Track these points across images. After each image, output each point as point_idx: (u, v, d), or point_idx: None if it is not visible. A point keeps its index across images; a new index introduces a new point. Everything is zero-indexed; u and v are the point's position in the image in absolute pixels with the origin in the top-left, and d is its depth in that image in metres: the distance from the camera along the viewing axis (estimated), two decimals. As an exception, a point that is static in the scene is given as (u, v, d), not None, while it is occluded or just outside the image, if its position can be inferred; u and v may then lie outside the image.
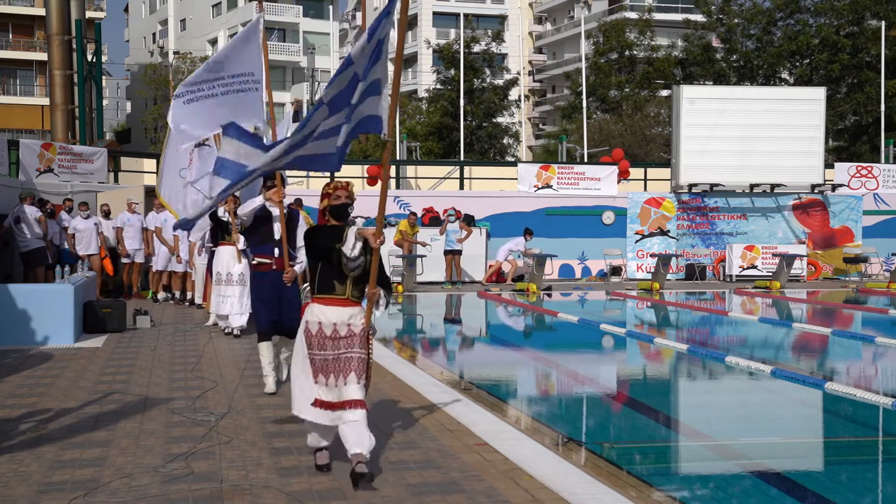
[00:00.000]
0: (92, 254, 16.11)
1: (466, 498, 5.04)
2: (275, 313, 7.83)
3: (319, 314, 5.47)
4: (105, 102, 42.58)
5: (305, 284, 7.46)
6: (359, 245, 5.33)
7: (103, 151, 20.45)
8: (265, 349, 7.94)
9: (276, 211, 7.93)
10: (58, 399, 7.70)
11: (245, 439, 6.34)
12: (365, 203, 21.85)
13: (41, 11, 36.69)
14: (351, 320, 5.49)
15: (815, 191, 23.61)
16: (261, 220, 7.97)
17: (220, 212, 11.75)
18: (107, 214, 16.96)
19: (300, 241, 7.93)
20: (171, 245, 16.28)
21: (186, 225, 7.79)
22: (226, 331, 11.86)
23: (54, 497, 5.04)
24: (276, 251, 7.91)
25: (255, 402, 7.64)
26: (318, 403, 5.42)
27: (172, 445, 6.16)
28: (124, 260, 16.95)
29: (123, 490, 5.18)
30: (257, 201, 7.84)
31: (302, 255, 7.90)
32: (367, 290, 5.51)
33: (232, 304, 11.63)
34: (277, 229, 7.93)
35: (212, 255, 13.69)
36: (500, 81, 45.98)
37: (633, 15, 50.92)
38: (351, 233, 5.34)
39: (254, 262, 8.03)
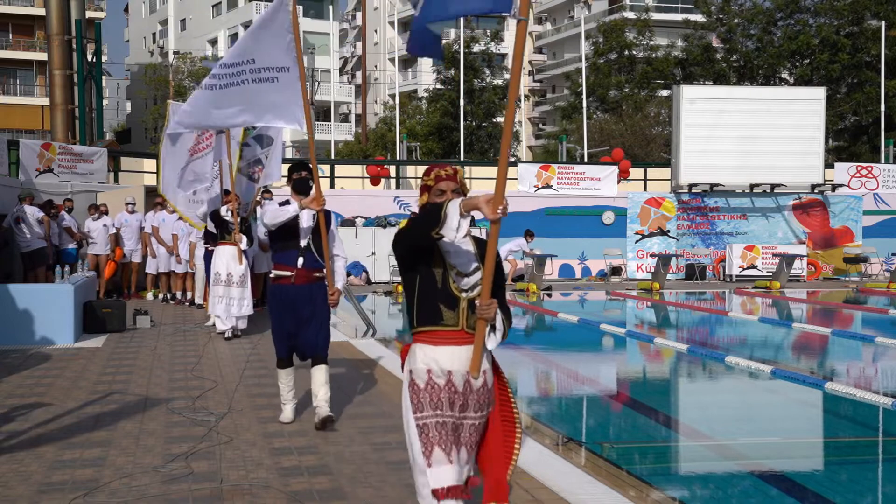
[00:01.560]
0: (99, 253, 16.27)
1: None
2: (295, 337, 6.68)
3: (426, 359, 3.74)
4: (105, 102, 42.59)
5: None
6: (465, 224, 3.46)
7: (103, 151, 20.44)
8: (284, 376, 6.83)
9: (304, 214, 6.63)
10: (58, 399, 7.70)
11: (245, 439, 6.34)
12: (365, 203, 22.02)
13: (41, 11, 36.68)
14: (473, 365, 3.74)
15: (815, 191, 23.62)
16: (283, 225, 6.64)
17: (223, 210, 11.59)
18: (105, 214, 16.97)
19: (337, 248, 6.79)
20: (169, 245, 16.30)
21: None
22: (226, 335, 11.41)
23: (54, 497, 5.04)
24: (301, 261, 6.59)
25: (254, 402, 7.63)
26: (441, 494, 3.65)
27: (172, 445, 6.16)
28: (121, 260, 16.97)
29: (123, 490, 5.18)
30: (291, 210, 6.53)
31: (340, 267, 6.80)
32: (477, 304, 3.63)
33: (231, 306, 11.41)
34: (304, 233, 6.64)
35: (206, 253, 13.66)
36: (499, 81, 45.99)
37: (632, 15, 50.94)
38: (452, 207, 3.47)
39: (271, 275, 6.72)
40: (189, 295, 16.15)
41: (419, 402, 3.72)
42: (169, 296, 16.73)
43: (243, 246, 11.41)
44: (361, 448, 6.08)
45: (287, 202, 6.67)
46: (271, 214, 6.56)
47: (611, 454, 6.59)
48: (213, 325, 12.28)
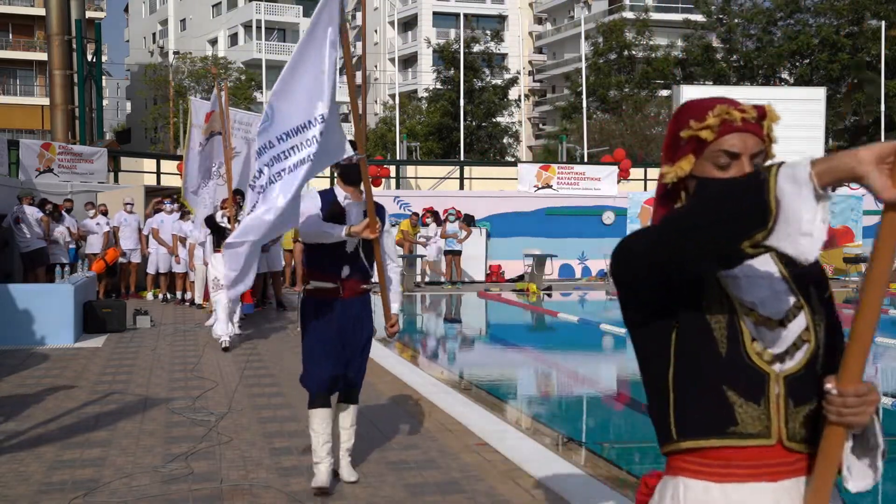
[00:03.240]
0: (96, 252, 16.31)
1: (466, 498, 5.04)
2: (339, 365, 5.17)
3: None
4: (105, 102, 42.61)
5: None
6: (823, 219, 1.62)
7: (103, 151, 20.46)
8: (320, 420, 5.16)
9: (353, 208, 5.19)
10: (58, 399, 7.70)
11: (245, 439, 6.34)
12: (365, 203, 21.98)
13: (41, 11, 36.72)
14: None
15: (815, 191, 23.59)
16: (326, 219, 5.12)
17: (219, 216, 11.21)
18: (104, 214, 17.01)
19: (390, 257, 5.36)
20: (170, 246, 16.31)
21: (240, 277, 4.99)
22: (223, 345, 10.73)
23: (54, 497, 5.04)
24: (346, 270, 5.13)
25: (255, 402, 7.63)
26: None
27: (172, 445, 6.15)
28: (120, 260, 17.00)
29: (123, 490, 5.17)
30: (335, 234, 5.06)
31: (395, 281, 5.40)
32: (828, 390, 1.74)
33: (218, 312, 10.76)
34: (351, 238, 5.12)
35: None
36: (499, 81, 46.03)
37: (632, 15, 50.99)
38: (792, 183, 1.61)
39: (308, 287, 5.23)
40: (189, 295, 16.15)
41: None
42: (169, 296, 16.74)
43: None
44: (361, 448, 6.08)
45: (330, 192, 5.23)
46: (311, 226, 5.01)
47: (611, 454, 6.58)
48: (214, 324, 12.11)
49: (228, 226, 10.97)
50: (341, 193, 5.19)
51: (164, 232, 16.39)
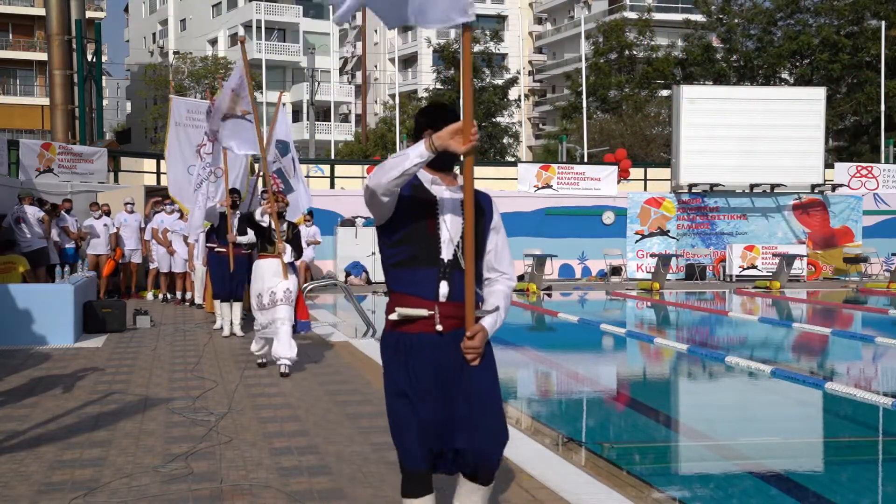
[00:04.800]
0: (100, 253, 16.31)
1: (466, 498, 5.03)
2: (442, 430, 3.61)
3: None
4: (105, 102, 42.61)
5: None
6: None
7: (103, 151, 20.46)
8: None
9: (447, 196, 3.59)
10: (58, 399, 7.70)
11: (245, 439, 6.34)
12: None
13: (41, 11, 36.73)
14: None
15: (815, 191, 23.62)
16: (409, 213, 3.54)
17: (258, 214, 9.38)
18: (107, 214, 17.02)
19: (498, 266, 3.69)
20: (169, 245, 16.32)
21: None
22: (261, 361, 9.42)
23: (54, 497, 5.04)
24: (444, 288, 3.53)
25: (255, 402, 7.63)
26: None
27: (172, 445, 6.16)
28: (120, 260, 17.02)
29: (123, 490, 5.17)
30: (412, 156, 3.34)
31: (500, 292, 3.67)
32: None
33: (278, 330, 8.89)
34: (448, 233, 3.55)
35: (211, 255, 13.50)
36: (499, 81, 46.03)
37: (632, 15, 50.97)
38: None
39: (392, 316, 3.62)
40: (189, 295, 16.16)
41: None
42: (169, 296, 16.74)
43: (287, 258, 9.15)
44: (361, 448, 6.08)
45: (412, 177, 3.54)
46: (378, 171, 3.38)
47: (611, 454, 6.59)
48: (220, 328, 11.96)
49: (273, 224, 9.14)
50: (427, 177, 3.59)
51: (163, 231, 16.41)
